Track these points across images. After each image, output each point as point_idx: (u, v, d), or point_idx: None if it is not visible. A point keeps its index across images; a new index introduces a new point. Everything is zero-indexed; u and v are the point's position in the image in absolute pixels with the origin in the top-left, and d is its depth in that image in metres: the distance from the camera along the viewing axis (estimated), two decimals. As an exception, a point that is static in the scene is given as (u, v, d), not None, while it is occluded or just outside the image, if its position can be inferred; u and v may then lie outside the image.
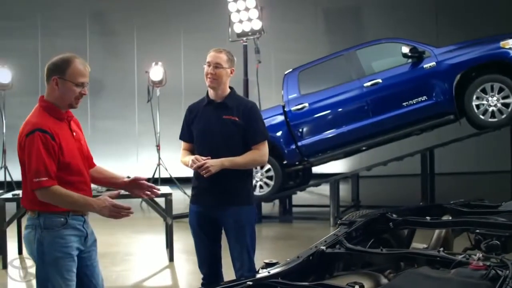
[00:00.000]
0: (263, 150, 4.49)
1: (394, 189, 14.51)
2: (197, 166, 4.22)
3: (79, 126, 3.73)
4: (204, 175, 4.22)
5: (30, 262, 7.45)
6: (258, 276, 3.37)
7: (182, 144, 4.63)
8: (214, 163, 4.23)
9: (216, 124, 4.40)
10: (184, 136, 4.62)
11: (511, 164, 10.13)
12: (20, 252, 7.80)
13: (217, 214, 4.42)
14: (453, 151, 12.48)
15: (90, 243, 3.61)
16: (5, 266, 7.06)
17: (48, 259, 3.38)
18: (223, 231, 4.56)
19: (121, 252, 8.03)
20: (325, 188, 11.28)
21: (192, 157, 4.29)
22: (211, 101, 4.48)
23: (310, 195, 13.09)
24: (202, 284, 4.49)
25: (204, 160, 4.23)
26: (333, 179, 10.07)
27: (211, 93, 4.48)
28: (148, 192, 3.78)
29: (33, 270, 7.03)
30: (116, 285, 6.41)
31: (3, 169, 13.55)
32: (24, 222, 3.52)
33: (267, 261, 3.66)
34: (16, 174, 13.44)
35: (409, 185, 13.66)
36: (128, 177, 3.82)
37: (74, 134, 3.59)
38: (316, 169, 11.21)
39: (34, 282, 6.72)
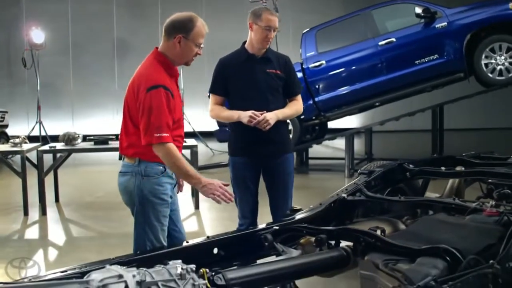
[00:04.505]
0: (301, 100, 4.46)
1: (405, 144, 14.48)
2: (257, 122, 4.11)
3: None
4: (264, 129, 4.13)
5: (66, 209, 7.63)
6: (284, 221, 3.40)
7: (213, 97, 4.42)
8: (271, 116, 4.15)
9: (263, 77, 4.27)
10: (218, 89, 4.40)
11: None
12: (57, 200, 7.92)
13: (266, 163, 4.30)
14: (462, 108, 12.42)
15: (176, 190, 3.63)
16: (44, 213, 7.17)
17: (148, 205, 3.35)
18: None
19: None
20: (338, 142, 11.27)
21: (248, 113, 4.13)
22: (251, 56, 4.31)
23: (325, 148, 13.10)
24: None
25: (262, 114, 4.13)
26: (348, 133, 10.06)
27: (253, 48, 4.30)
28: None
29: (69, 215, 7.28)
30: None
31: (38, 124, 13.66)
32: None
33: (292, 207, 3.70)
34: (49, 128, 13.60)
35: (419, 139, 13.63)
36: None
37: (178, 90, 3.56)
38: (331, 124, 11.20)
39: (71, 226, 6.94)
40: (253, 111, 4.14)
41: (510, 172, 3.82)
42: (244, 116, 4.16)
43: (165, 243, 3.42)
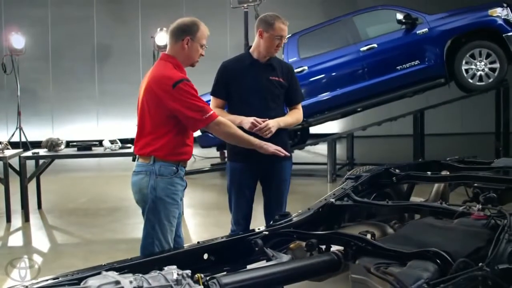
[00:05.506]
0: (301, 109, 4.46)
1: (386, 148, 14.57)
2: (259, 129, 4.08)
3: None
4: (266, 136, 4.06)
5: (50, 216, 7.57)
6: (273, 226, 3.42)
7: (213, 100, 4.38)
8: (273, 124, 4.13)
9: (265, 84, 4.26)
10: (219, 93, 4.36)
11: (495, 126, 10.22)
12: (39, 206, 7.85)
13: (265, 169, 4.22)
14: (440, 113, 12.54)
15: (183, 193, 3.67)
16: (27, 220, 7.10)
17: (159, 205, 3.42)
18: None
19: (132, 206, 7.99)
20: (320, 147, 11.30)
21: (250, 119, 4.10)
22: (255, 61, 4.30)
23: (307, 153, 13.15)
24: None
25: (264, 122, 4.10)
26: (330, 138, 10.13)
27: (259, 54, 4.28)
28: None
29: (53, 222, 7.23)
30: (130, 237, 6.46)
31: (18, 130, 13.52)
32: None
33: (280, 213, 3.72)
34: (30, 135, 13.48)
35: (399, 144, 13.74)
36: None
37: None
38: (313, 129, 11.24)
39: (54, 232, 6.89)
40: (255, 118, 4.11)
41: (494, 176, 3.89)
42: (246, 121, 4.12)
43: (171, 244, 3.46)
